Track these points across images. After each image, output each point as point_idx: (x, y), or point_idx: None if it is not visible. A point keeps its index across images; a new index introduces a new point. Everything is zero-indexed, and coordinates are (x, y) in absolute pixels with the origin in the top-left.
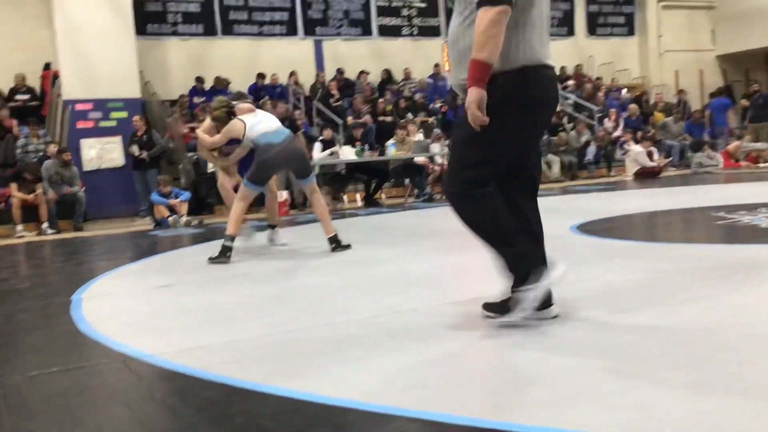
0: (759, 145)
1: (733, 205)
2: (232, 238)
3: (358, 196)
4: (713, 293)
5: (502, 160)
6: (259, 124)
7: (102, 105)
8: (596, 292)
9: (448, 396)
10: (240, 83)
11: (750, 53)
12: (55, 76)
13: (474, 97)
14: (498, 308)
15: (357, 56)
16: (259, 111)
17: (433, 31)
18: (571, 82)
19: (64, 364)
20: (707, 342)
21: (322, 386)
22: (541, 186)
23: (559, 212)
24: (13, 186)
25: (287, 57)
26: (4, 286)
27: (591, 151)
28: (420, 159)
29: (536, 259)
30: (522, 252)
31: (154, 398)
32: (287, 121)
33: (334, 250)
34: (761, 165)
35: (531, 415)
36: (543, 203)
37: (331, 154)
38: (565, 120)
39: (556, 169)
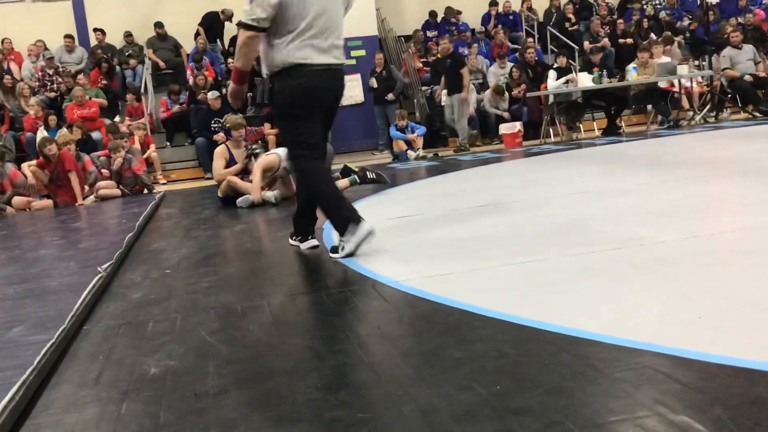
0: None
1: None
2: None
3: (595, 125)
4: None
5: (302, 138)
6: None
7: None
8: None
9: (702, 333)
10: (472, 13)
11: None
12: None
13: (230, 90)
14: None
15: None
16: None
17: None
18: None
19: (321, 287)
20: None
21: (564, 317)
22: None
23: None
24: (267, 125)
25: None
26: (266, 215)
27: None
28: (664, 83)
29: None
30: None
31: (402, 321)
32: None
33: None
34: None
35: None
36: None
37: (567, 82)
38: None
39: None
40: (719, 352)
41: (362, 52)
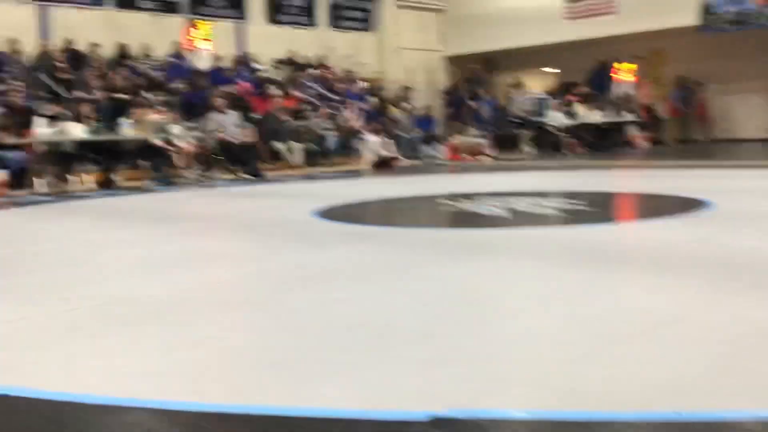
0: (478, 140)
1: (456, 193)
2: None
3: (89, 178)
4: (445, 273)
5: None
6: None
7: None
8: (343, 274)
9: (185, 383)
10: None
11: (473, 55)
12: None
13: None
14: None
15: (89, 27)
16: None
17: (174, 7)
18: (313, 71)
19: None
20: (443, 317)
21: (43, 380)
22: (285, 172)
23: (301, 198)
24: None
25: (5, 23)
26: None
27: (332, 140)
28: (158, 140)
29: None
30: None
31: None
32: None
33: None
34: (479, 158)
35: (275, 395)
36: (287, 189)
37: (58, 130)
38: (308, 108)
39: (298, 155)
40: (198, 400)
41: None
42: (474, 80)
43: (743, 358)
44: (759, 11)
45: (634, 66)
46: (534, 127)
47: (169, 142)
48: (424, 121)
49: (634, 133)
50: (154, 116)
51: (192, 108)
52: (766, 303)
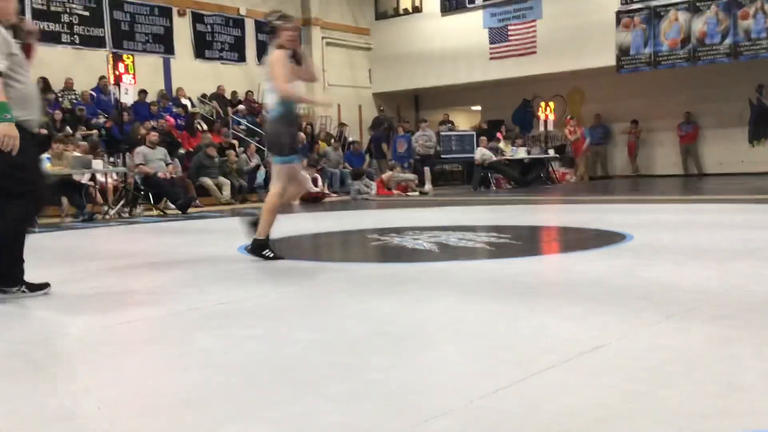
0: (408, 175)
1: (385, 228)
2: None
3: None
4: (368, 307)
5: None
6: None
7: None
8: (263, 310)
9: (103, 425)
10: None
11: (401, 93)
12: None
13: None
14: None
15: None
16: None
17: (97, 42)
18: (242, 107)
19: None
20: (362, 351)
21: None
22: (213, 208)
23: (228, 233)
24: None
25: None
26: None
27: (261, 175)
28: (79, 176)
29: None
30: None
31: None
32: None
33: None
34: (409, 193)
35: None
36: (214, 224)
37: None
38: (236, 143)
39: (226, 191)
40: None
41: None
42: (384, 119)
43: (661, 385)
44: (670, 52)
45: (553, 104)
46: (433, 164)
47: (90, 178)
48: (354, 157)
49: (558, 169)
50: (75, 151)
51: (115, 143)
52: (680, 332)
